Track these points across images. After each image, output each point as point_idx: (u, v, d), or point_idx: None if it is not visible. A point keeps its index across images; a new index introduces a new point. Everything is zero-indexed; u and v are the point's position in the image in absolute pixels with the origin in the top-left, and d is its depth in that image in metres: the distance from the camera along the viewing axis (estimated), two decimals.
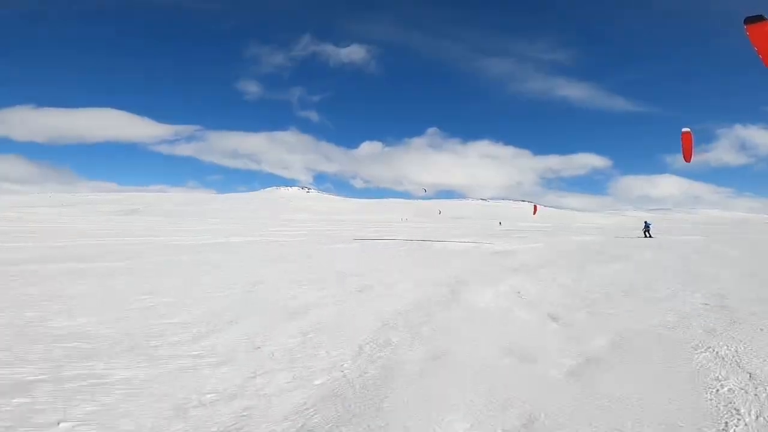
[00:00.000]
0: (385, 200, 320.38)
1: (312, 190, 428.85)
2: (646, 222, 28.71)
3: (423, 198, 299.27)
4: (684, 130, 11.69)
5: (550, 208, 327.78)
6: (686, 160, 11.87)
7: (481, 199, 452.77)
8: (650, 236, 26.29)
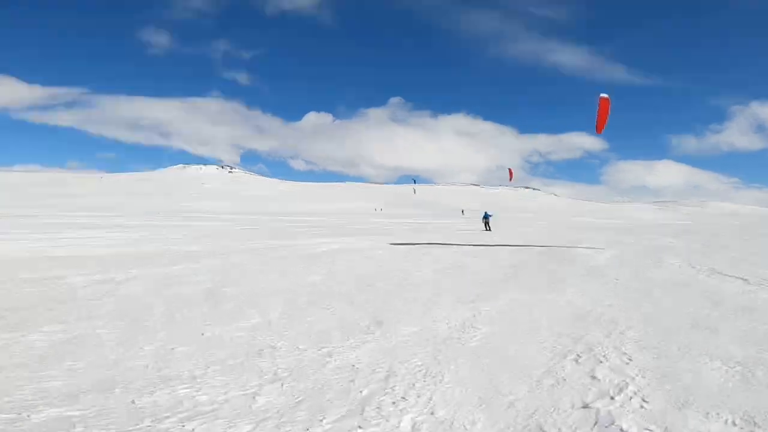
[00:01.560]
0: (340, 183, 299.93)
1: (236, 170, 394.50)
2: (486, 213, 31.61)
3: (401, 182, 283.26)
4: (602, 95, 13.26)
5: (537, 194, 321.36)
6: (598, 131, 13.79)
7: (473, 184, 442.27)
8: (489, 229, 28.94)
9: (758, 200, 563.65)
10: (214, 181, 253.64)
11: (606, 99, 12.99)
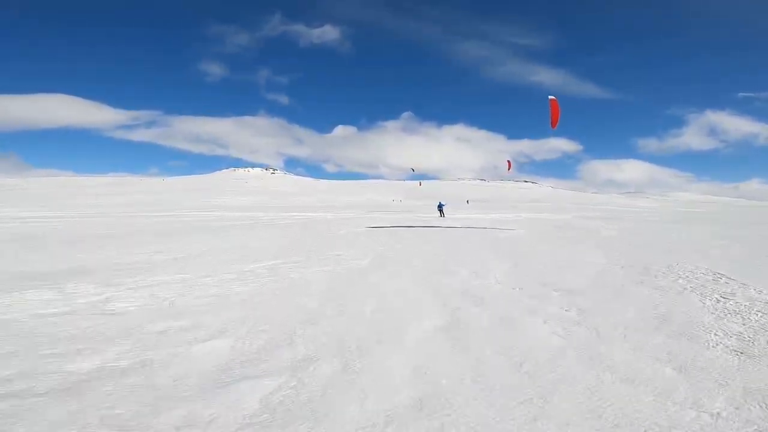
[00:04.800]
0: (363, 181, 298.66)
1: (278, 172, 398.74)
2: (440, 203, 31.81)
3: (410, 178, 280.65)
4: (550, 97, 13.25)
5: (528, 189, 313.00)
6: (553, 127, 13.33)
7: (479, 179, 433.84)
8: (443, 216, 29.12)
9: (707, 191, 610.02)
10: (256, 179, 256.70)
11: (554, 100, 13.05)
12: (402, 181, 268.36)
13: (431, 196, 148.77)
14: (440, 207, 30.38)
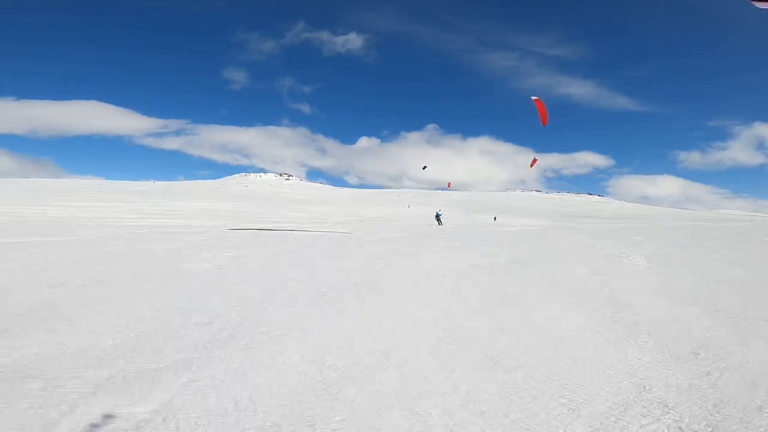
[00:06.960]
0: (387, 191, 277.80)
1: (293, 178, 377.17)
2: (438, 211, 33.73)
3: (431, 188, 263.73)
4: (533, 97, 13.66)
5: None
6: (543, 124, 13.87)
7: (510, 190, 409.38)
8: (441, 224, 30.28)
9: (743, 207, 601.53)
10: (266, 185, 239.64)
11: (537, 99, 13.36)
12: (435, 191, 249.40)
13: (457, 204, 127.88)
14: (438, 216, 31.66)
